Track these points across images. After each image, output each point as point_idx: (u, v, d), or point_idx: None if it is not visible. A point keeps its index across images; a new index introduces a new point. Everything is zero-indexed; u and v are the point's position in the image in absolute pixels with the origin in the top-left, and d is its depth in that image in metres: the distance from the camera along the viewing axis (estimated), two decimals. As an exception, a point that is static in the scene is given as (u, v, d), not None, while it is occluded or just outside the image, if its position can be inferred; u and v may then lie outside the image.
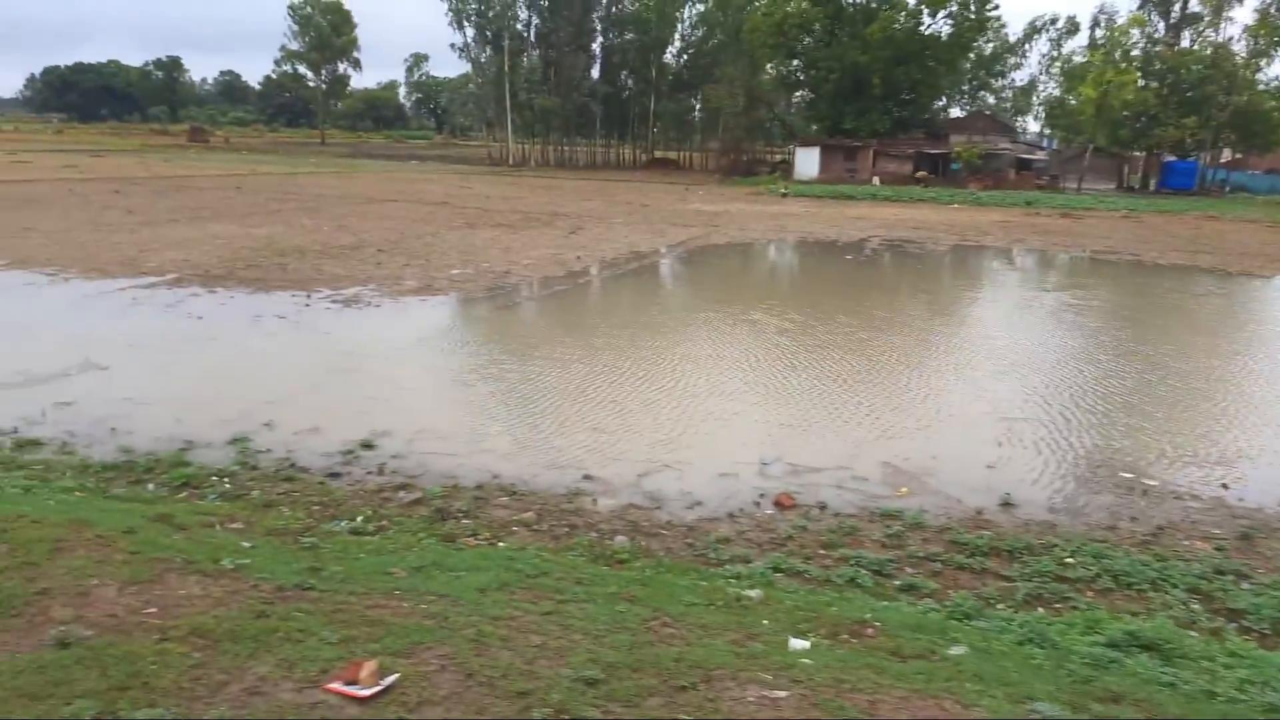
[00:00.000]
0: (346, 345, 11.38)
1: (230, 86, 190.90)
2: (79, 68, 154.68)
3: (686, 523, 6.45)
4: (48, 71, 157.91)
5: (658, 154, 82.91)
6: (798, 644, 3.97)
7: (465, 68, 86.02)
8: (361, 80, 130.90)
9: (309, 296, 14.06)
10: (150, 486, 6.50)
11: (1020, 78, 76.20)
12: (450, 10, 69.61)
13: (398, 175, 48.84)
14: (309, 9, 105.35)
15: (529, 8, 72.74)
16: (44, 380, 9.23)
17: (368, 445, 7.70)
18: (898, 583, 5.58)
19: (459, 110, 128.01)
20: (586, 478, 7.21)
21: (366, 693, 2.78)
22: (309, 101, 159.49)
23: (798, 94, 67.39)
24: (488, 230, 24.05)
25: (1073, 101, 54.60)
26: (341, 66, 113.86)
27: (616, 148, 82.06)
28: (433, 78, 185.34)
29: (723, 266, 21.46)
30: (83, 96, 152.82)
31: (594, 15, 75.37)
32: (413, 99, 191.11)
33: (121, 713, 2.58)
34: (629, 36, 75.94)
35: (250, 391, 9.15)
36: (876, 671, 3.65)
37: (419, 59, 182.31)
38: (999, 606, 5.31)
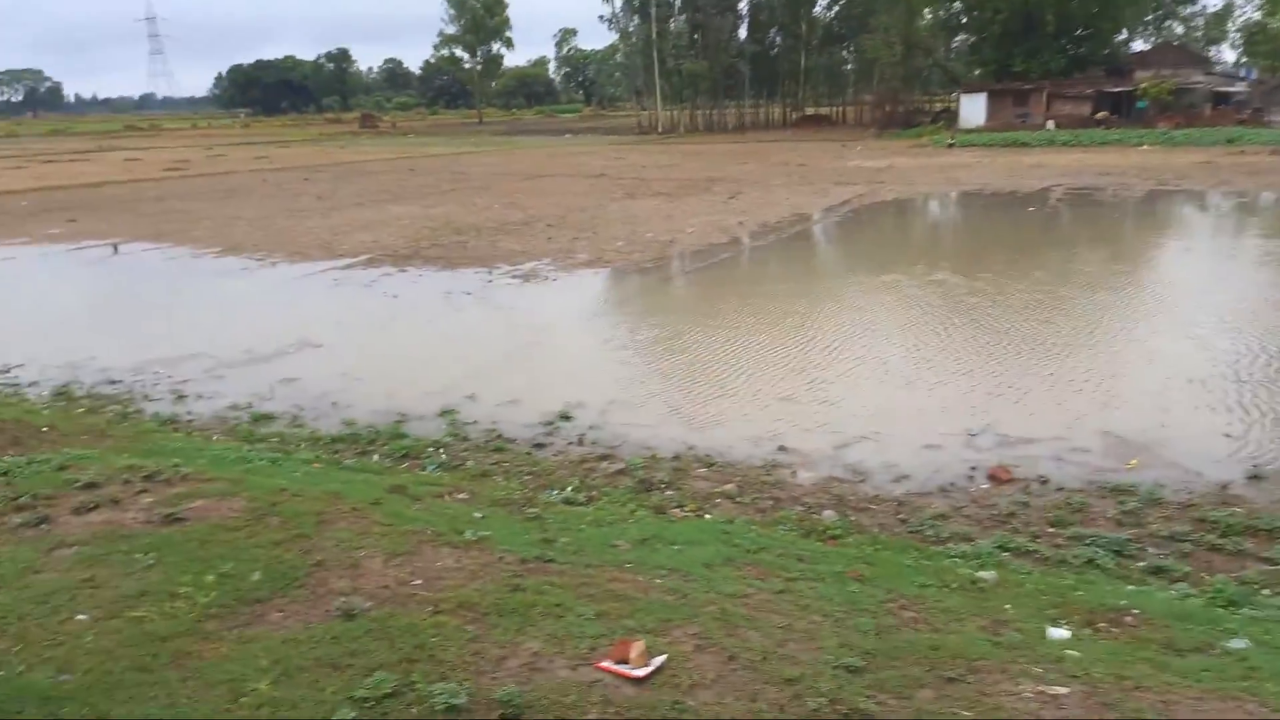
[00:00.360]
0: (531, 319, 11.74)
1: (393, 73, 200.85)
2: (260, 65, 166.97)
3: (895, 497, 6.21)
4: (233, 70, 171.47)
5: (808, 111, 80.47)
6: (1057, 633, 3.71)
7: (612, 39, 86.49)
8: (513, 59, 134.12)
9: (490, 273, 14.59)
10: (375, 457, 6.92)
11: (1213, 3, 68.15)
12: (598, -19, 69.56)
13: (553, 150, 49.87)
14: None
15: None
16: (268, 358, 10.05)
17: (565, 416, 7.88)
18: (1142, 564, 5.13)
19: (607, 81, 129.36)
20: (782, 449, 7.08)
21: (641, 673, 2.81)
22: (466, 83, 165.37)
23: (959, 38, 63.48)
24: (648, 199, 24.13)
25: (1276, 25, 48.46)
26: (495, 47, 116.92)
27: (765, 107, 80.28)
28: (580, 51, 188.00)
29: (896, 224, 20.57)
30: (264, 91, 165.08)
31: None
32: (562, 73, 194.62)
33: (417, 685, 2.72)
34: (778, -9, 73.59)
35: (450, 365, 9.60)
36: (1156, 667, 3.35)
37: (567, 34, 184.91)
38: (1265, 593, 4.78)
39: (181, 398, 8.67)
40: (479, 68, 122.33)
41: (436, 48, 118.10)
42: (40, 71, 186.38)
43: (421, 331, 11.29)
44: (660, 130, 72.15)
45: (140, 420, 7.90)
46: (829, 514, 5.86)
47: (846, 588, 4.19)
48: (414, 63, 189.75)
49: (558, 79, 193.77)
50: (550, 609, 3.33)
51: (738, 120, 77.00)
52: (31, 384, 9.17)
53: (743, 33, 75.42)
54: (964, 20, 57.77)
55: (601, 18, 72.64)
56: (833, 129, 68.51)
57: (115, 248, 17.74)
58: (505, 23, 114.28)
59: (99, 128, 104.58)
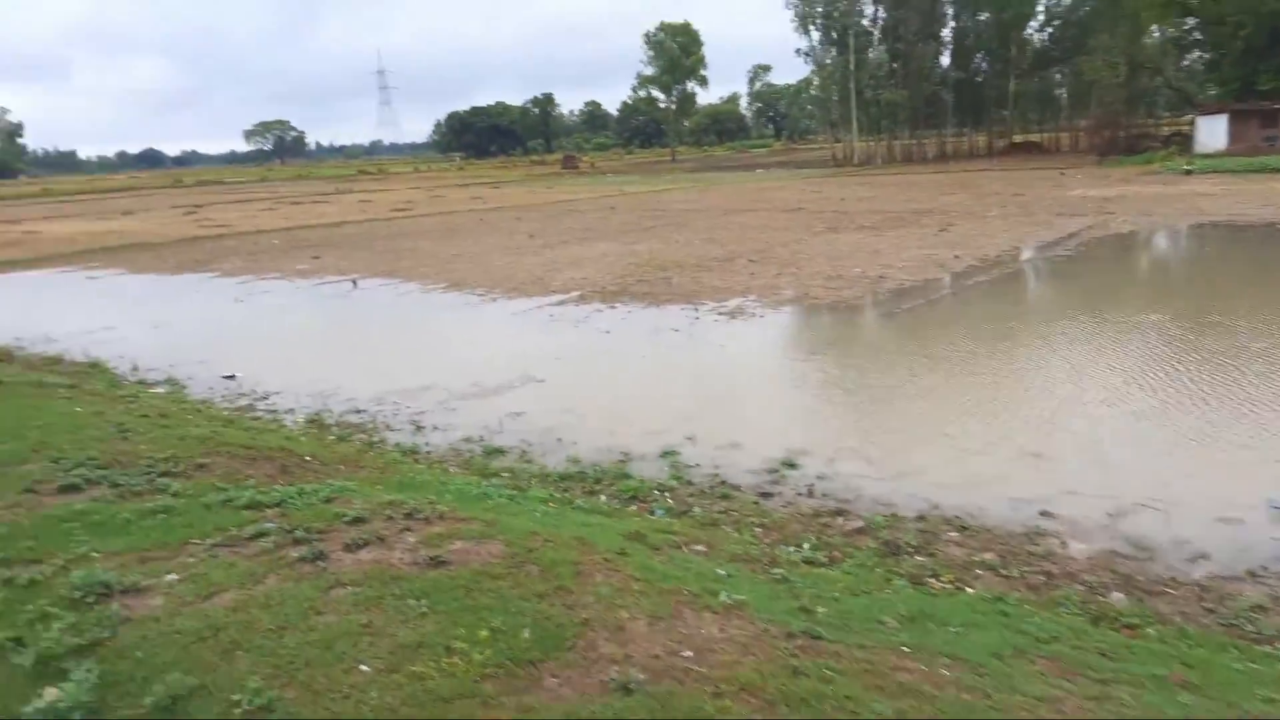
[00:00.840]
0: (742, 357, 11.48)
1: (592, 115, 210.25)
2: (474, 111, 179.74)
3: (1195, 580, 5.34)
4: (451, 117, 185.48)
5: (1016, 139, 75.93)
6: None
7: (805, 72, 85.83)
8: (706, 96, 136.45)
9: (696, 310, 14.51)
10: (603, 498, 6.85)
11: None
12: (796, 16, 69.58)
13: (748, 185, 49.87)
14: (661, 35, 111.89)
15: (875, 2, 70.46)
16: (495, 391, 10.39)
17: (790, 464, 7.51)
18: None
19: (799, 114, 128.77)
20: (1045, 514, 6.33)
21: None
22: (660, 122, 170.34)
23: (1190, 56, 57.83)
24: (851, 234, 23.39)
25: None
26: (689, 85, 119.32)
27: (969, 136, 76.65)
28: (772, 86, 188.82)
29: (1138, 258, 18.68)
30: (476, 136, 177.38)
31: (944, 1, 71.07)
32: (753, 109, 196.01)
33: (717, 782, 2.46)
34: (984, 17, 70.48)
35: (666, 404, 9.50)
36: None
37: (760, 70, 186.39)
38: None
39: (420, 429, 9.08)
40: (673, 106, 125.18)
41: (634, 89, 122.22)
42: (287, 122, 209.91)
43: (635, 368, 11.31)
44: (856, 162, 70.61)
45: (384, 449, 8.32)
46: (1118, 597, 5.11)
47: (1176, 697, 3.53)
48: (612, 104, 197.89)
49: (749, 114, 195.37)
50: (841, 701, 2.97)
51: (939, 150, 73.95)
52: (288, 411, 9.95)
53: (945, 59, 72.71)
54: (1198, 36, 52.52)
55: (798, 51, 72.47)
56: (1045, 157, 64.13)
57: (354, 283, 19.31)
58: (700, 61, 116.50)
59: (335, 172, 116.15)
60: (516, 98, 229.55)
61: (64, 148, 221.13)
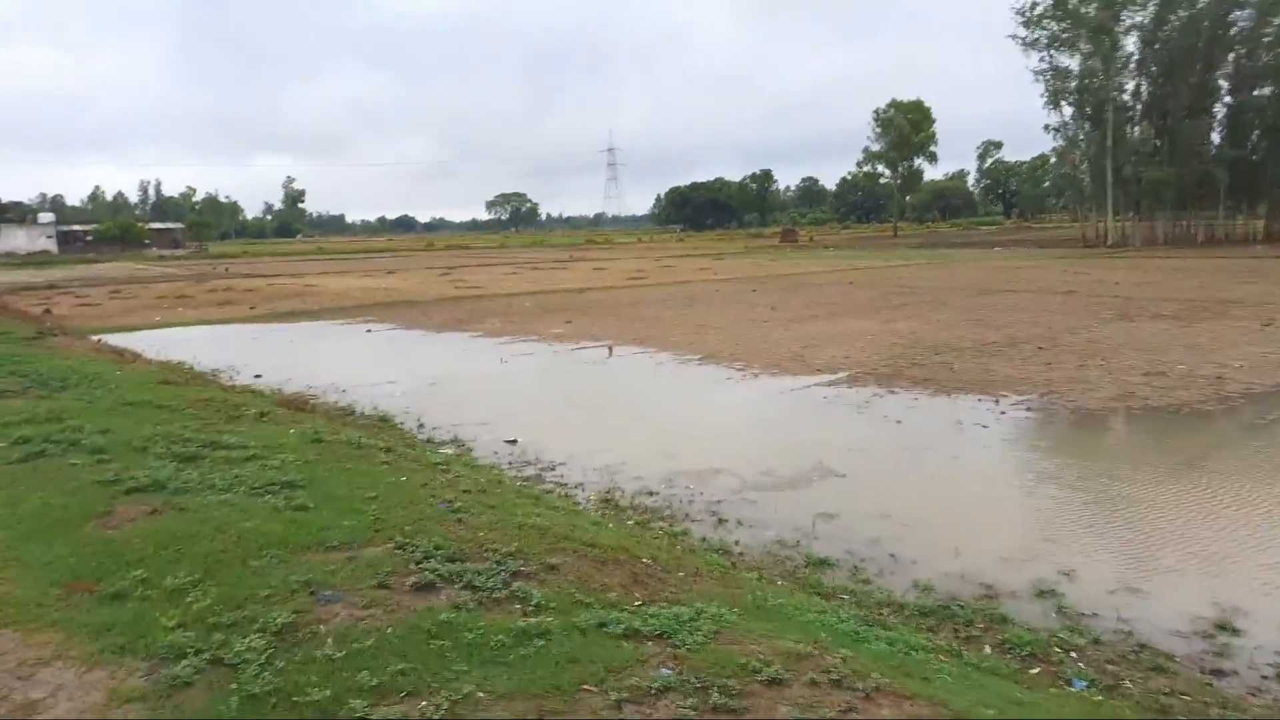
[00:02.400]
0: (1086, 467, 9.70)
1: (809, 190, 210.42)
2: (694, 186, 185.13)
3: None
4: (671, 191, 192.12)
5: (1315, 221, 66.60)
6: None
7: (1045, 149, 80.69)
8: (932, 173, 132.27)
9: (997, 402, 12.81)
10: (987, 649, 5.51)
11: None
12: (1046, 91, 65.64)
13: (991, 263, 46.66)
14: (891, 111, 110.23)
15: (1139, 76, 65.16)
16: (791, 484, 9.33)
17: (1226, 628, 5.80)
18: None
19: (1047, 191, 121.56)
20: None
21: None
22: (879, 197, 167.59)
23: None
24: (1149, 322, 20.55)
25: None
26: (918, 161, 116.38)
27: (1245, 220, 68.42)
28: (1003, 162, 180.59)
29: None
30: (694, 209, 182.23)
31: (1217, 74, 64.55)
32: (981, 185, 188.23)
33: None
34: (1265, 92, 63.29)
35: (1010, 522, 8.01)
36: None
37: (991, 146, 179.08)
38: None
39: (722, 521, 8.15)
40: (898, 182, 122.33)
41: (859, 164, 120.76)
42: (524, 195, 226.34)
43: (951, 471, 9.85)
44: (1109, 244, 64.72)
45: (688, 542, 7.45)
46: None
47: None
48: (827, 180, 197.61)
49: (976, 191, 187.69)
50: None
51: (1207, 234, 66.36)
52: (577, 485, 9.39)
53: (1216, 137, 65.84)
54: None
55: (1047, 127, 68.05)
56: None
57: (610, 350, 19.18)
58: (931, 138, 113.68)
59: (564, 240, 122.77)
60: (734, 173, 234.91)
61: (334, 212, 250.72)
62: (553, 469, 10.12)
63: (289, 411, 10.22)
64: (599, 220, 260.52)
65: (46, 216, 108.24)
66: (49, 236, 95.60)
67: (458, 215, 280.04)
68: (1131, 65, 64.40)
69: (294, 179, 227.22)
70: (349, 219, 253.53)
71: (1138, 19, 63.66)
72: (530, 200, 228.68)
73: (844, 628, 5.11)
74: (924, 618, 6.00)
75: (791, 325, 22.20)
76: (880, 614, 5.97)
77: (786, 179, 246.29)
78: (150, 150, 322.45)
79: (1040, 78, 65.95)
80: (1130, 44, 63.94)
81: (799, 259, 59.26)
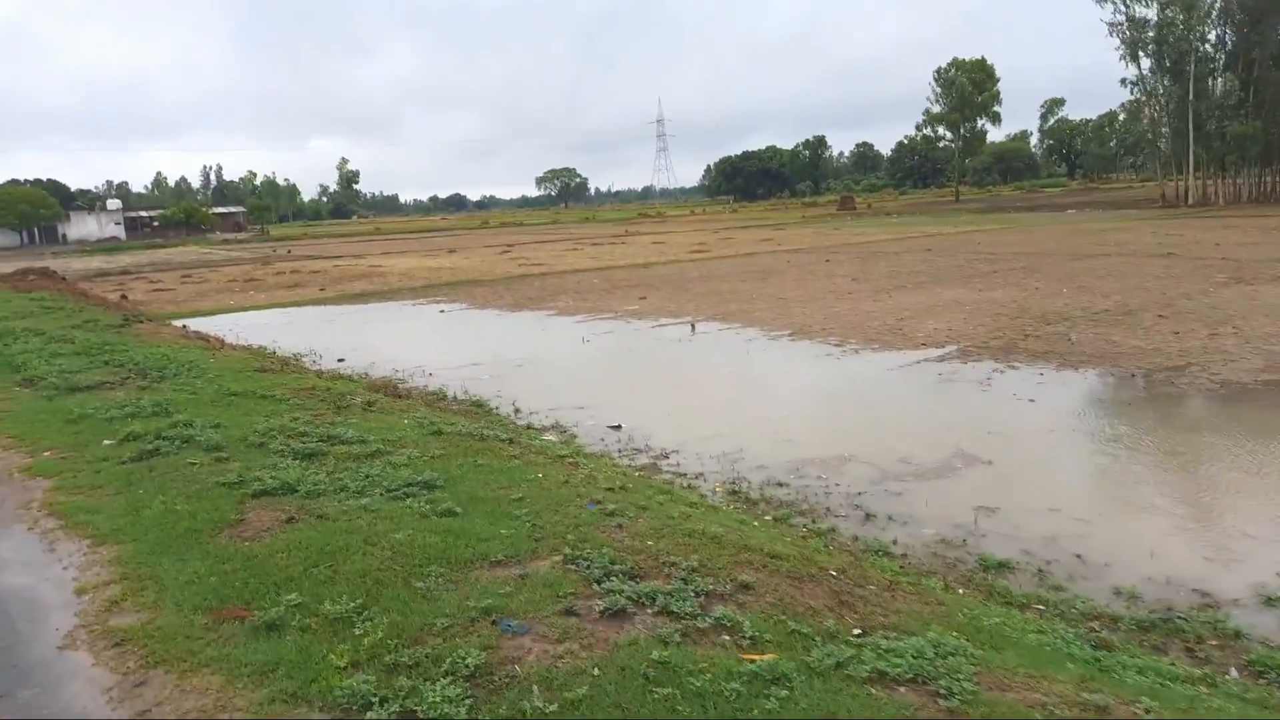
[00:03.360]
0: (1263, 449, 8.75)
1: (863, 156, 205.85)
2: (745, 155, 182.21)
3: None
4: (722, 161, 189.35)
5: None
6: None
7: (1107, 107, 77.32)
8: (993, 134, 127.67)
9: (1133, 376, 11.82)
10: (1233, 673, 4.75)
11: None
12: (1122, 44, 62.47)
13: (1072, 226, 44.62)
14: (953, 71, 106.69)
15: (1222, 25, 61.58)
16: (935, 473, 8.58)
17: None
18: None
19: (1116, 150, 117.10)
20: None
21: None
22: (937, 161, 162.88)
23: None
24: (1268, 285, 19.12)
25: None
26: (980, 123, 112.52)
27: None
28: (1068, 121, 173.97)
29: None
30: (745, 179, 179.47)
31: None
32: (1043, 146, 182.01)
33: None
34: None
35: (1203, 513, 7.17)
36: None
37: (1054, 104, 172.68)
38: None
39: (869, 516, 7.46)
40: (959, 145, 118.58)
41: (919, 127, 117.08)
42: (574, 170, 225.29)
43: (1112, 455, 8.98)
44: (1189, 202, 61.71)
45: (839, 540, 6.79)
46: None
47: None
48: (883, 145, 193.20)
49: (1039, 152, 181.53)
50: None
51: (1303, 189, 62.86)
52: (697, 475, 8.78)
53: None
54: None
55: (1124, 81, 64.80)
56: None
57: (692, 326, 18.50)
58: (994, 98, 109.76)
59: (615, 215, 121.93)
60: (786, 141, 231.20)
61: (388, 192, 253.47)
62: (666, 457, 9.51)
63: (391, 399, 9.78)
64: (647, 193, 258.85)
65: (114, 203, 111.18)
66: (117, 223, 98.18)
67: (508, 192, 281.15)
68: (1214, 14, 60.91)
69: (348, 160, 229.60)
70: (402, 199, 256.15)
71: (1222, -37, 60.13)
72: (579, 175, 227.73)
73: (1079, 653, 4.40)
74: (1144, 633, 5.25)
75: (879, 296, 21.22)
76: (1094, 629, 5.24)
77: (840, 145, 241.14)
78: (209, 135, 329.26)
79: (1115, 30, 62.83)
80: (1215, -10, 60.42)
81: (862, 227, 57.64)
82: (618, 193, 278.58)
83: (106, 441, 6.94)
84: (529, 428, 10.85)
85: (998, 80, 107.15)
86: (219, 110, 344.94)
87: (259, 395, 8.73)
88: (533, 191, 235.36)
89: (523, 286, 28.58)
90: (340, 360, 16.10)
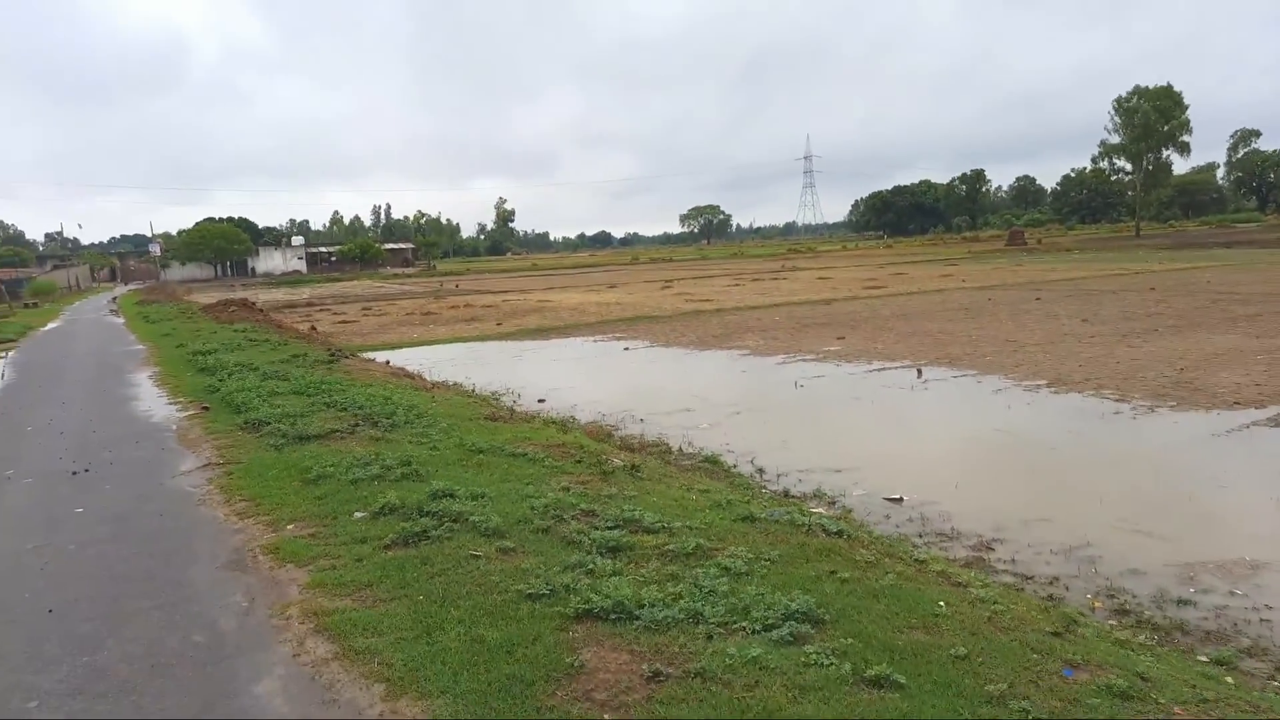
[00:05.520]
0: None
1: (1023, 190, 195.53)
2: (897, 190, 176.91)
3: None
4: (872, 196, 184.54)
5: None
6: None
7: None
8: (1179, 165, 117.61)
9: None
10: None
11: None
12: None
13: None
14: (1136, 99, 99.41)
15: None
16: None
17: None
18: None
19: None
20: None
21: None
22: (1107, 195, 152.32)
23: None
24: None
25: None
26: (1165, 153, 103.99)
27: None
28: (1259, 153, 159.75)
29: None
30: (896, 214, 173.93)
31: None
32: (1230, 179, 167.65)
33: None
34: None
35: None
36: None
37: (1246, 135, 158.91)
38: None
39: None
40: (1139, 177, 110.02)
41: (1095, 158, 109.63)
42: (718, 207, 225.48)
43: None
44: None
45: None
46: None
47: None
48: (1045, 179, 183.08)
49: (1225, 185, 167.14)
50: None
51: None
52: (1051, 581, 6.76)
53: None
54: None
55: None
56: None
57: (919, 372, 16.38)
58: (1183, 126, 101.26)
59: (763, 251, 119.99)
60: (940, 175, 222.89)
61: (539, 229, 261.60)
62: (990, 549, 7.53)
63: (653, 460, 8.34)
64: (789, 229, 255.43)
65: (298, 240, 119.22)
66: (300, 258, 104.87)
67: (651, 229, 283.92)
68: None
69: (505, 199, 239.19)
70: (552, 236, 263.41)
71: None
72: (723, 212, 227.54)
73: None
74: None
75: (1130, 342, 18.36)
76: None
77: (998, 179, 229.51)
78: (382, 177, 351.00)
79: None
80: None
81: (1047, 263, 53.22)
82: (759, 229, 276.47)
83: (358, 514, 5.76)
84: (788, 496, 9.14)
85: (1186, 108, 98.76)
86: (392, 153, 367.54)
87: (508, 453, 7.46)
88: (675, 228, 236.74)
89: (700, 323, 27.14)
90: (541, 401, 15.02)
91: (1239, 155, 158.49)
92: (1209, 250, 59.65)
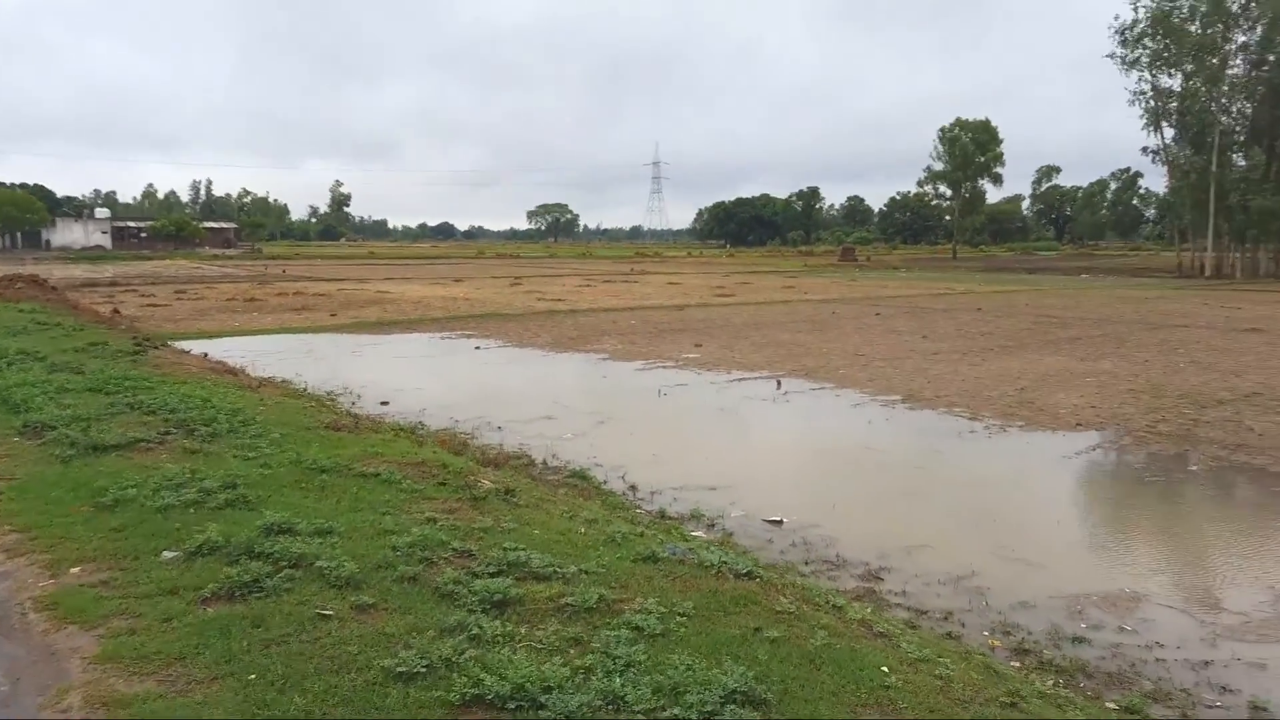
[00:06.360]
0: None
1: (854, 209, 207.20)
2: (740, 201, 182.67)
3: None
4: (715, 206, 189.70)
5: None
6: None
7: (1099, 175, 77.17)
8: (992, 195, 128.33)
9: (1389, 487, 9.72)
10: None
11: None
12: (1146, 113, 62.18)
13: (1108, 293, 43.24)
14: (957, 130, 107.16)
15: (1245, 98, 61.46)
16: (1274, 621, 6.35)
17: None
18: None
19: (1104, 218, 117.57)
20: None
21: None
22: (927, 218, 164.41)
23: None
24: None
25: None
26: (981, 182, 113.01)
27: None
28: (1059, 188, 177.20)
29: None
30: (738, 225, 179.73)
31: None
32: (1034, 210, 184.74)
33: None
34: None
35: None
36: None
37: (1048, 170, 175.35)
38: None
39: (1260, 709, 5.19)
40: (956, 204, 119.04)
41: (920, 183, 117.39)
42: (566, 205, 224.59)
43: None
44: (1206, 274, 61.05)
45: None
46: None
47: None
48: (873, 199, 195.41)
49: (1029, 216, 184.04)
50: None
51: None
52: (945, 616, 6.46)
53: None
54: None
55: (1145, 149, 64.47)
56: None
57: (778, 384, 16.29)
58: (997, 159, 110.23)
59: (611, 253, 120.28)
60: (779, 190, 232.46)
61: (376, 216, 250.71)
62: (878, 578, 7.18)
63: (529, 482, 7.44)
64: (636, 233, 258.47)
65: (103, 212, 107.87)
66: (104, 232, 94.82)
67: (496, 224, 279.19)
68: (1237, 87, 60.75)
69: (342, 183, 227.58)
70: (390, 224, 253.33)
71: (1244, 39, 60.12)
72: (571, 211, 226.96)
73: None
74: None
75: (970, 360, 19.14)
76: None
77: (832, 197, 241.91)
78: (204, 151, 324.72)
79: (1138, 99, 62.53)
80: (1238, 65, 60.35)
81: (878, 279, 56.13)
82: (606, 230, 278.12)
83: (168, 554, 4.55)
84: (664, 516, 8.52)
85: (1000, 142, 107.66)
86: (216, 126, 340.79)
87: (357, 472, 6.34)
88: (522, 224, 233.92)
89: (555, 324, 26.30)
90: (384, 403, 13.73)
91: (1041, 189, 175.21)
92: (1017, 274, 65.00)
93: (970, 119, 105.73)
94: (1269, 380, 16.39)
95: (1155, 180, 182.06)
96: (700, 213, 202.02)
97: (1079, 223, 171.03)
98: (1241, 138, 60.65)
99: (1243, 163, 59.61)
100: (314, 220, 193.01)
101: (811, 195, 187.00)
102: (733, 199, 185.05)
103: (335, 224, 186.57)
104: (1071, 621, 6.37)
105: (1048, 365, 18.40)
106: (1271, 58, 59.51)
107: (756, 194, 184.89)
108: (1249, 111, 60.48)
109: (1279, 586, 6.96)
